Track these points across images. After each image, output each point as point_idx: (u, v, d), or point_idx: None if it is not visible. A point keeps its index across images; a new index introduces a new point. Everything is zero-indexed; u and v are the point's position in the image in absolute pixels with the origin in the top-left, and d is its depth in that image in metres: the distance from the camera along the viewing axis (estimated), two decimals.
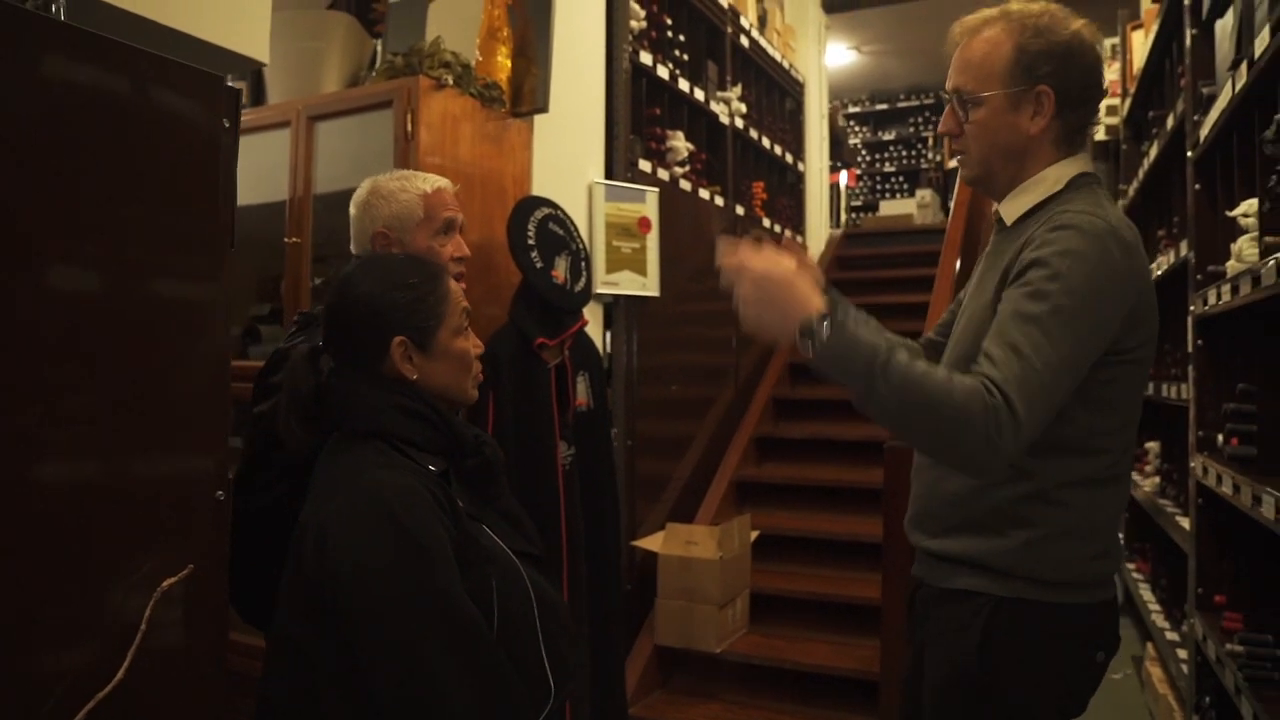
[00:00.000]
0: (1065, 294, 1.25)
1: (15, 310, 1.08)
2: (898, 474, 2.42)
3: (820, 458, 4.43)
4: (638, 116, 3.77)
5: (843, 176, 8.67)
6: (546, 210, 2.65)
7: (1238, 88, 2.07)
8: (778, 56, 5.46)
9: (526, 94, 2.93)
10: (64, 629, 1.11)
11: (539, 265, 2.53)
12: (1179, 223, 3.28)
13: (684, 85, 4.15)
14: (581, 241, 2.73)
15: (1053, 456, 1.33)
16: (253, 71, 3.11)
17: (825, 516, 4.08)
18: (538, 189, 2.98)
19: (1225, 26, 2.37)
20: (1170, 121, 3.27)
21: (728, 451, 4.38)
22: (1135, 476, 3.82)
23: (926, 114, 10.52)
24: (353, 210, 1.86)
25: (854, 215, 9.82)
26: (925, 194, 8.76)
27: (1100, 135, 4.94)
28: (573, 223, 2.73)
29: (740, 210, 4.73)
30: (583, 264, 2.70)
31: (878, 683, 2.89)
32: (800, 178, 5.95)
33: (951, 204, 5.01)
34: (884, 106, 10.71)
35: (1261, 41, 1.85)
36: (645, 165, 3.73)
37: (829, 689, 3.26)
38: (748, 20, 4.95)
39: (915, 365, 1.23)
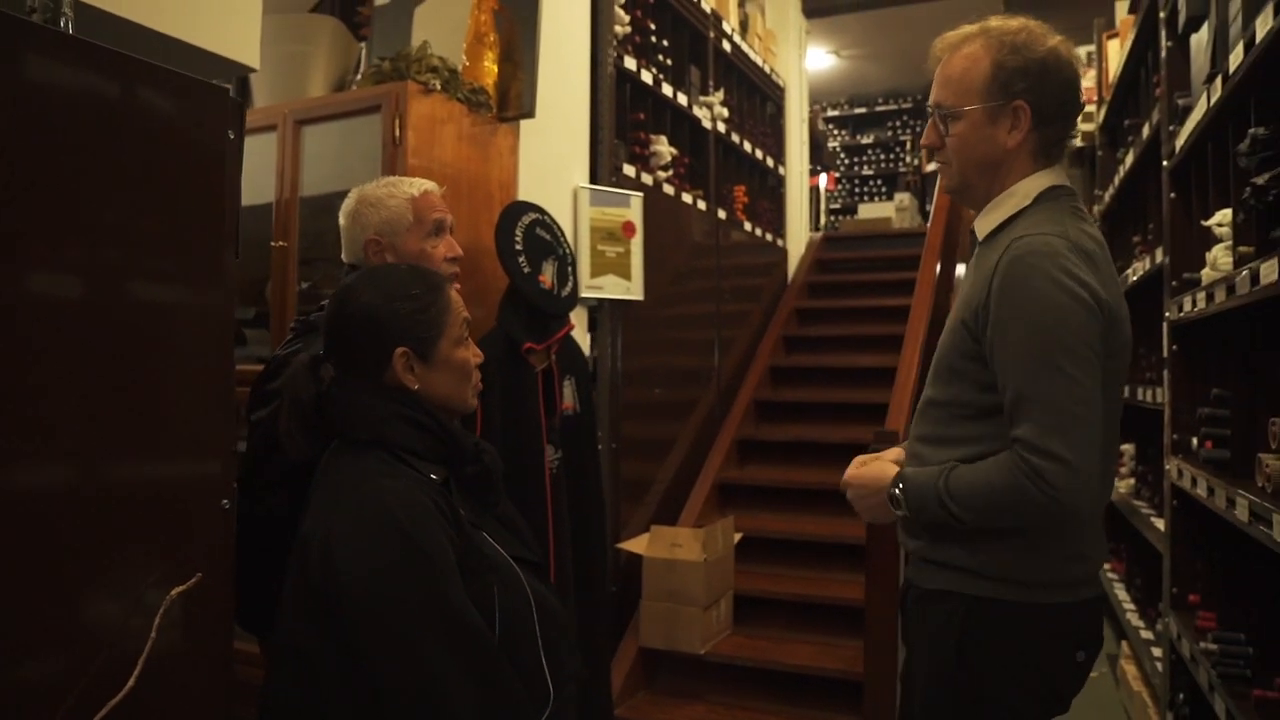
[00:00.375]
0: (1034, 330, 1.30)
1: (15, 316, 1.09)
2: None
3: (802, 460, 4.45)
4: (622, 121, 3.79)
5: (822, 180, 8.71)
6: (533, 215, 2.66)
7: (1213, 101, 2.12)
8: (759, 61, 5.49)
9: (513, 99, 2.93)
10: (69, 637, 1.12)
11: (526, 270, 2.54)
12: (1154, 229, 3.34)
13: (667, 90, 4.17)
14: (568, 246, 2.74)
15: None
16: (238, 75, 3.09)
17: (808, 518, 4.10)
18: (523, 193, 2.99)
19: (1200, 40, 2.42)
20: (1146, 130, 3.33)
21: (710, 454, 4.40)
22: None
23: (904, 118, 10.62)
24: (342, 221, 1.87)
25: (833, 218, 9.88)
26: (903, 197, 8.83)
27: (1076, 142, 5.01)
28: (559, 227, 2.74)
29: (722, 214, 4.76)
30: (569, 269, 2.71)
31: (861, 683, 2.93)
32: (781, 181, 5.98)
33: (930, 208, 5.07)
34: (862, 110, 10.80)
35: (1236, 57, 1.90)
36: (629, 170, 3.75)
37: (813, 689, 3.28)
38: (730, 25, 4.98)
39: (962, 475, 1.36)
